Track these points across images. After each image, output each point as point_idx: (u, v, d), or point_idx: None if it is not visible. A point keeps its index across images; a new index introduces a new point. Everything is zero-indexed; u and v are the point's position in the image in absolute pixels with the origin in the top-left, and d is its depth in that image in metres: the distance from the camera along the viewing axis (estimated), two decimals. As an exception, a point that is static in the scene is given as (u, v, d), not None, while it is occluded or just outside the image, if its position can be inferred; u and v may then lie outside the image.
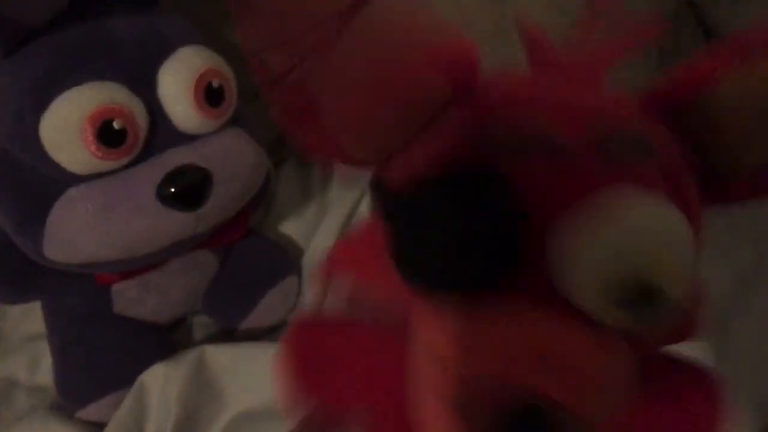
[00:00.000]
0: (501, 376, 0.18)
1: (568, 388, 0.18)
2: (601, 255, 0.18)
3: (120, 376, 0.45)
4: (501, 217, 0.19)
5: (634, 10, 0.53)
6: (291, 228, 0.57)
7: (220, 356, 0.45)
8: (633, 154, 0.20)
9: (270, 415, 0.42)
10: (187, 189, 0.38)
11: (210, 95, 0.39)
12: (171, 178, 0.37)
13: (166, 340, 0.49)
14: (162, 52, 0.39)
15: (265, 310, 0.50)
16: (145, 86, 0.38)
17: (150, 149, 0.38)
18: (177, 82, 0.38)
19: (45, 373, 0.49)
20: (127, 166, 0.37)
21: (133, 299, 0.46)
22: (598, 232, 0.18)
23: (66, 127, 0.35)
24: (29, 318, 0.51)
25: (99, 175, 0.37)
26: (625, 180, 0.19)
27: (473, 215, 0.20)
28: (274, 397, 0.43)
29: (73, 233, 0.37)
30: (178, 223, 0.38)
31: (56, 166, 0.36)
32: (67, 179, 0.37)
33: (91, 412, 0.45)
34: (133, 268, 0.42)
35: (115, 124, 0.35)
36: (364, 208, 0.58)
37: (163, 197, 0.37)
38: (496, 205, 0.20)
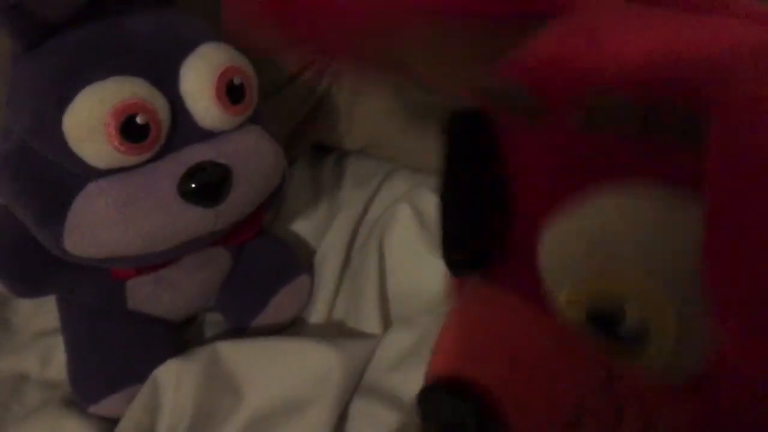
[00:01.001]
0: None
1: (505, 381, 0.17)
2: (566, 260, 0.17)
3: (133, 372, 0.45)
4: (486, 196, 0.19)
5: None
6: (302, 227, 0.58)
7: (235, 352, 0.45)
8: (662, 135, 0.17)
9: (290, 410, 0.42)
10: (207, 185, 0.38)
11: (231, 92, 0.39)
12: (191, 173, 0.38)
13: (178, 337, 0.50)
14: (184, 48, 0.39)
15: (277, 308, 0.50)
16: (167, 82, 0.38)
17: (171, 145, 0.38)
18: (199, 79, 0.38)
19: (57, 368, 0.49)
20: (148, 162, 0.37)
21: (147, 295, 0.46)
22: (567, 232, 0.17)
23: (90, 121, 0.35)
24: (41, 313, 0.52)
25: (120, 170, 0.37)
26: (638, 168, 0.17)
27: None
28: (294, 393, 0.43)
29: (94, 227, 0.37)
30: (197, 219, 0.38)
31: (78, 161, 0.36)
32: (88, 173, 0.37)
33: (104, 407, 0.45)
34: (151, 263, 0.42)
35: (139, 119, 0.36)
36: (375, 208, 0.58)
37: (184, 193, 0.37)
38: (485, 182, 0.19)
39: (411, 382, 0.45)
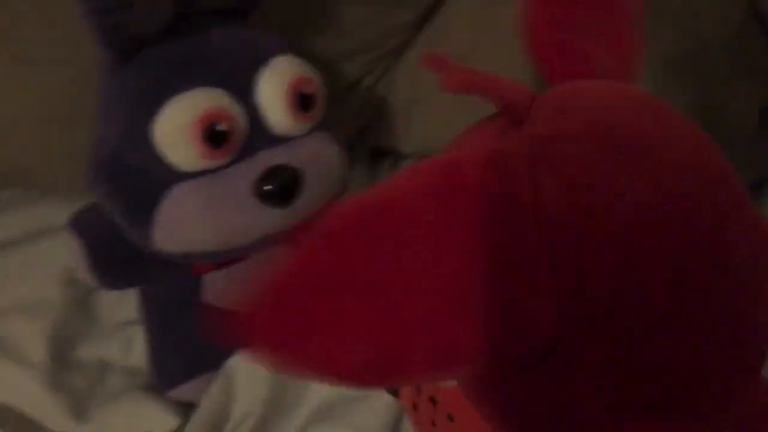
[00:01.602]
0: None
1: None
2: None
3: (209, 360, 0.48)
4: None
5: (700, 27, 0.54)
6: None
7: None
8: None
9: (353, 399, 0.45)
10: (280, 187, 0.41)
11: (302, 101, 0.42)
12: (266, 176, 0.40)
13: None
14: (259, 61, 0.42)
15: (339, 304, 0.53)
16: (244, 92, 0.41)
17: (247, 150, 0.41)
18: (273, 89, 0.41)
19: (137, 355, 0.53)
20: (227, 165, 0.40)
21: (219, 289, 0.49)
22: None
23: (177, 128, 0.38)
24: (123, 304, 0.55)
25: (202, 173, 0.40)
26: None
27: None
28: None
29: (179, 226, 0.40)
30: (271, 219, 0.41)
31: (165, 165, 0.40)
32: (174, 176, 0.40)
33: (181, 392, 0.49)
34: (226, 258, 0.45)
35: (220, 127, 0.39)
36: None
37: (259, 194, 0.40)
38: None
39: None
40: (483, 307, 0.19)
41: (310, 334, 0.20)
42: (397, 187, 0.21)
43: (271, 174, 0.41)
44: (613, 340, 0.19)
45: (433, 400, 0.27)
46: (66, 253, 0.48)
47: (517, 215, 0.20)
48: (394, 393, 0.31)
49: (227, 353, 0.48)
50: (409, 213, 0.20)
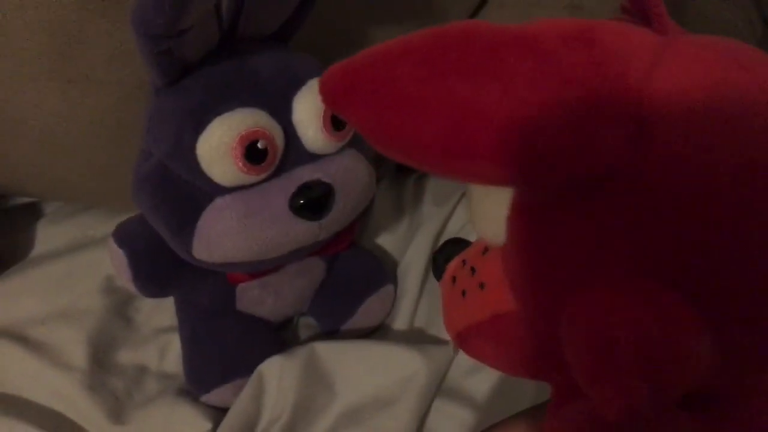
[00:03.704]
0: None
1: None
2: None
3: (242, 366, 0.50)
4: None
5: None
6: (387, 241, 0.63)
7: (330, 351, 0.51)
8: None
9: (378, 407, 0.47)
10: (313, 201, 0.43)
11: (335, 121, 0.45)
12: (301, 191, 0.43)
13: (278, 336, 0.55)
14: (296, 83, 0.44)
15: (365, 315, 0.55)
16: (282, 112, 0.43)
17: (283, 166, 0.44)
18: (308, 110, 0.44)
19: (173, 361, 0.55)
20: (264, 180, 0.43)
21: (253, 298, 0.52)
22: None
23: (219, 146, 0.41)
24: (159, 312, 0.58)
25: (241, 188, 0.43)
26: None
27: None
28: (383, 391, 0.48)
29: (219, 237, 0.43)
30: (304, 231, 0.44)
31: (208, 179, 0.42)
32: (215, 190, 0.43)
33: (214, 396, 0.51)
34: (262, 269, 0.48)
35: (260, 145, 0.41)
36: (453, 223, 0.62)
37: (294, 207, 0.43)
38: None
39: (486, 385, 0.49)
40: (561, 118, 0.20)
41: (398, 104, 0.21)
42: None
43: (305, 189, 0.43)
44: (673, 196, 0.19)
45: (472, 270, 0.29)
46: (106, 263, 0.51)
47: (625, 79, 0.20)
48: (439, 275, 0.34)
49: (257, 360, 0.50)
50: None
